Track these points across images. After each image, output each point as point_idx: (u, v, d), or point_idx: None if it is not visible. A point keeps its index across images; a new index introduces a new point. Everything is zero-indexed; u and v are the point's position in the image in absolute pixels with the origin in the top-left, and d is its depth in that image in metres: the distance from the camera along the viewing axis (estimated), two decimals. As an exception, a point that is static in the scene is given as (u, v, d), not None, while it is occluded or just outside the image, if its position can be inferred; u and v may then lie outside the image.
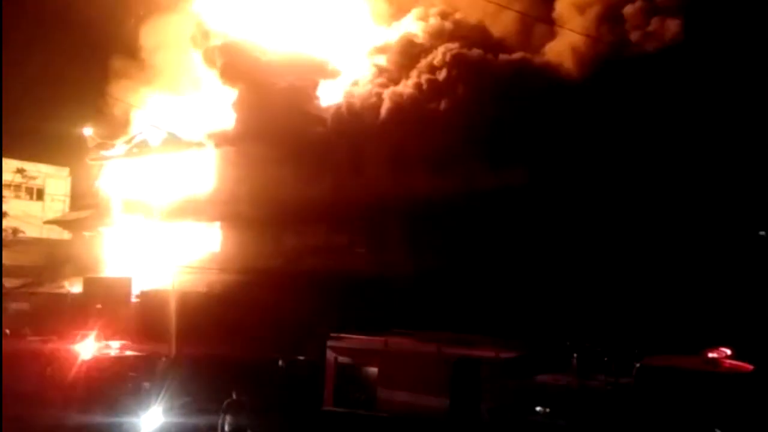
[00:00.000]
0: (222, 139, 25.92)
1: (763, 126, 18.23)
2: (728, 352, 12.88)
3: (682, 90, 19.26)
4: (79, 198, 33.52)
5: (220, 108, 26.63)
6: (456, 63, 23.34)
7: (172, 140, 28.93)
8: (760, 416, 11.51)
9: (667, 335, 15.30)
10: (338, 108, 25.08)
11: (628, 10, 22.12)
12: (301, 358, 18.00)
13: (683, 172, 19.14)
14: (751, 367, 12.73)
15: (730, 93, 18.80)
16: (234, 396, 14.05)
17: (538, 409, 13.45)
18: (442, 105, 22.89)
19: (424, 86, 23.70)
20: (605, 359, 13.43)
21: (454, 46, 23.83)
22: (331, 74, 26.14)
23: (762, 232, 19.25)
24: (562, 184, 20.20)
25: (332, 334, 16.12)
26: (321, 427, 15.16)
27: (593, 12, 22.61)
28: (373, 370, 15.17)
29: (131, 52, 28.70)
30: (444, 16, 25.63)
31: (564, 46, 22.65)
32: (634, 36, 21.68)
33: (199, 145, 27.22)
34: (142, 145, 29.92)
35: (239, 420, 13.71)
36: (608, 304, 17.72)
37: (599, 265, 18.82)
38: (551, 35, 23.51)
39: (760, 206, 18.54)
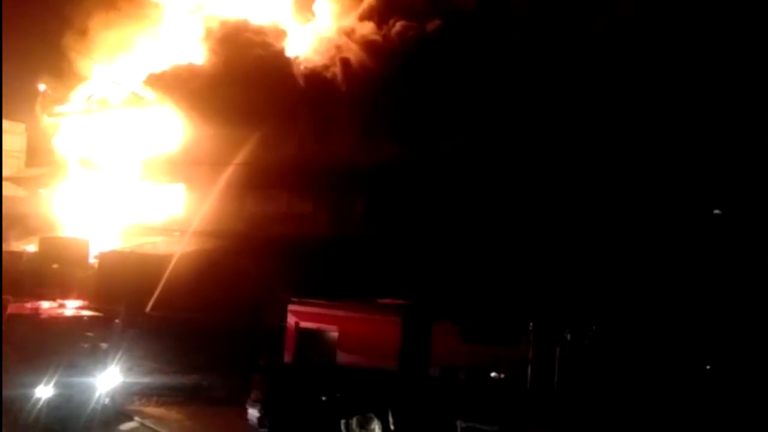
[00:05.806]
0: (184, 91, 25.20)
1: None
2: None
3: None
4: (35, 155, 32.56)
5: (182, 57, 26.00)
6: None
7: (134, 98, 28.17)
8: None
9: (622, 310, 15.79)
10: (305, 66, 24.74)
11: None
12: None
13: (644, 148, 19.43)
14: None
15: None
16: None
17: (493, 374, 13.78)
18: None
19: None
20: (564, 332, 13.83)
21: None
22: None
23: (717, 211, 19.72)
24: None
25: (293, 299, 16.15)
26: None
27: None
28: (333, 334, 15.29)
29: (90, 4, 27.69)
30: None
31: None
32: None
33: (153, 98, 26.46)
34: (102, 102, 29.08)
35: None
36: (570, 280, 18.05)
37: (564, 241, 19.13)
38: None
39: (715, 185, 19.03)
